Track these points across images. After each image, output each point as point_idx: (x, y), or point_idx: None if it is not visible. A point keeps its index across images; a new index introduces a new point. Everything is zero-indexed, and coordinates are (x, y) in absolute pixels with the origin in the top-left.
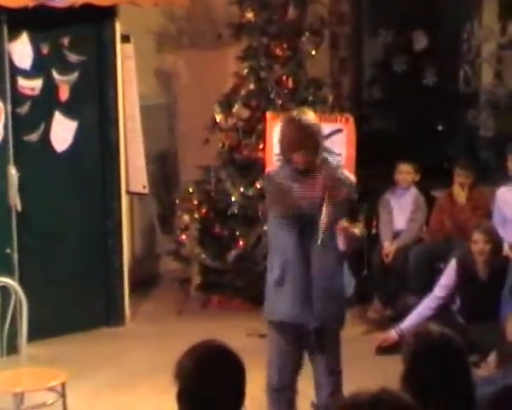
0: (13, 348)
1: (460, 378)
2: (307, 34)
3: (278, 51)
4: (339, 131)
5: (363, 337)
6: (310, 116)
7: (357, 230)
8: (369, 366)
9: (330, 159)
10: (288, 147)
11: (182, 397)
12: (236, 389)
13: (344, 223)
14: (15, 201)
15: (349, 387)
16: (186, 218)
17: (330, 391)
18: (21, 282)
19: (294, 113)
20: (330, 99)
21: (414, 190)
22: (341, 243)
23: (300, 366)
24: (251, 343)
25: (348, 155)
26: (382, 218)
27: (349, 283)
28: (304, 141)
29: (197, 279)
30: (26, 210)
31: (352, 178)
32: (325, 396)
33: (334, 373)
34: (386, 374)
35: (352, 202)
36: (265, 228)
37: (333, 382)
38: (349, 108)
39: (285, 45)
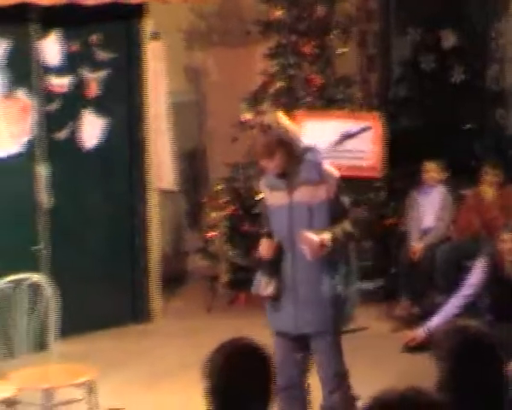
0: (42, 345)
1: (496, 375)
2: (336, 32)
3: (307, 49)
4: (367, 129)
5: (390, 335)
6: (276, 118)
7: (326, 234)
8: (396, 364)
9: (309, 156)
10: (256, 155)
11: (211, 394)
12: (265, 385)
13: (303, 233)
14: (44, 198)
15: (376, 384)
16: (214, 215)
17: (332, 391)
18: (50, 278)
19: (262, 118)
20: (358, 97)
21: (441, 189)
22: (307, 253)
23: (305, 367)
24: None
25: (376, 153)
26: (410, 216)
27: (340, 286)
28: (266, 147)
29: (225, 277)
30: (55, 207)
31: (335, 172)
32: (328, 398)
33: (337, 375)
34: (413, 372)
35: (338, 198)
36: None
37: (336, 384)
38: (377, 106)
39: (313, 43)
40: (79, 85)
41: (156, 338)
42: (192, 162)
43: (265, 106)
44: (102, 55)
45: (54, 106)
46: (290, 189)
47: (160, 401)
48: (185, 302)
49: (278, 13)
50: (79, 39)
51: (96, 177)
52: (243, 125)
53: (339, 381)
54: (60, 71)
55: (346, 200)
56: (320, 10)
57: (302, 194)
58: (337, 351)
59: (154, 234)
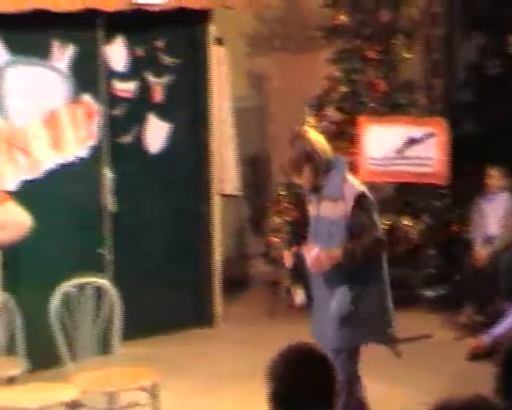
0: (106, 348)
1: None
2: (400, 37)
3: (371, 54)
4: (431, 135)
5: (454, 343)
6: (304, 132)
7: (336, 250)
8: (460, 372)
9: (334, 171)
10: (286, 171)
11: (273, 399)
12: (327, 390)
13: (304, 247)
14: (109, 202)
15: (440, 392)
16: (277, 220)
17: None
18: (114, 282)
19: (294, 133)
20: (423, 102)
21: (505, 195)
22: (309, 267)
23: None
24: None
25: (441, 160)
26: (475, 223)
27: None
28: (295, 163)
29: (287, 282)
30: (120, 211)
31: (357, 190)
32: None
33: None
34: (477, 380)
35: (356, 216)
36: None
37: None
38: (441, 112)
39: (378, 48)
40: (144, 90)
41: (218, 343)
42: (255, 167)
43: (329, 111)
44: (167, 60)
45: (119, 110)
46: (318, 202)
47: (221, 406)
48: (247, 307)
49: (342, 18)
50: (144, 44)
51: (160, 181)
52: None
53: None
54: (125, 76)
55: (367, 218)
56: (384, 15)
57: (325, 208)
58: (343, 362)
59: (216, 239)
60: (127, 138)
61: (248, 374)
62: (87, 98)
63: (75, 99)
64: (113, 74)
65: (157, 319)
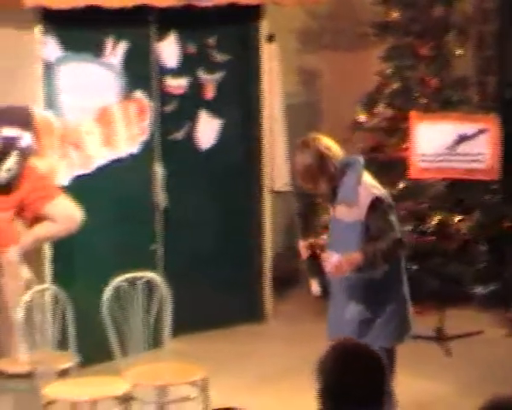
0: (156, 343)
1: None
2: (453, 33)
3: (423, 50)
4: (483, 131)
5: (505, 339)
6: (315, 138)
7: (355, 254)
8: (510, 370)
9: (348, 175)
10: (300, 180)
11: (322, 396)
12: (378, 387)
13: (324, 253)
14: (160, 198)
15: (490, 389)
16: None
17: None
18: (165, 277)
19: (302, 142)
20: (475, 99)
21: None
22: (328, 272)
23: None
24: None
25: (493, 156)
26: None
27: None
28: (309, 175)
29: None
30: (170, 207)
31: (372, 193)
32: None
33: None
34: None
35: (372, 219)
36: None
37: None
38: (493, 109)
39: (430, 44)
40: (196, 87)
41: (267, 340)
42: None
43: (380, 107)
44: (219, 57)
45: (170, 107)
46: (334, 205)
47: (269, 403)
48: (297, 304)
49: (393, 14)
50: (196, 41)
51: (211, 177)
52: (357, 127)
53: None
54: (177, 72)
55: (383, 221)
56: (437, 11)
57: (340, 211)
58: None
59: (267, 235)
60: (178, 135)
61: (297, 372)
62: (139, 95)
63: (127, 96)
64: (165, 71)
65: (206, 315)
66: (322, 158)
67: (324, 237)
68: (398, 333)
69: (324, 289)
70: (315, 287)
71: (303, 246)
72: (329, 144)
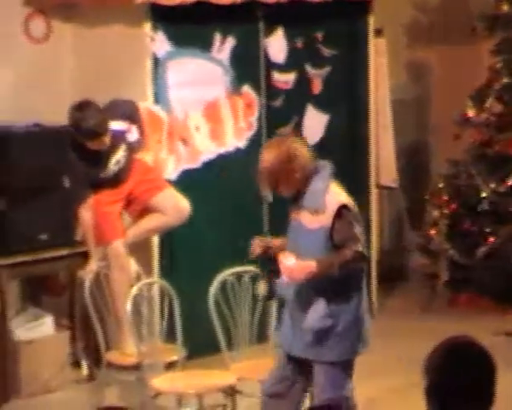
0: (262, 337)
1: None
2: None
3: None
4: None
5: None
6: (286, 143)
7: (311, 262)
8: None
9: (316, 180)
10: (261, 182)
11: (430, 393)
12: (487, 387)
13: (281, 255)
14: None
15: None
16: (435, 213)
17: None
18: None
19: (271, 141)
20: None
21: None
22: (284, 276)
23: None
24: (497, 343)
25: None
26: None
27: None
28: (263, 175)
29: (445, 275)
30: (277, 201)
31: (343, 197)
32: None
33: (331, 400)
34: None
35: (337, 228)
36: None
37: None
38: None
39: None
40: (303, 82)
41: (374, 335)
42: (413, 159)
43: (490, 102)
44: (326, 51)
45: (278, 102)
46: (298, 210)
47: (375, 399)
48: (404, 300)
49: (504, 8)
50: (304, 36)
51: None
52: (466, 122)
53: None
54: (284, 67)
55: (347, 230)
56: None
57: (304, 217)
58: (334, 380)
59: (373, 230)
60: (286, 129)
61: (402, 369)
62: (247, 90)
63: (235, 90)
64: (273, 66)
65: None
66: (287, 161)
67: (279, 240)
68: (355, 345)
69: (272, 293)
70: (261, 289)
71: (257, 243)
72: (299, 147)
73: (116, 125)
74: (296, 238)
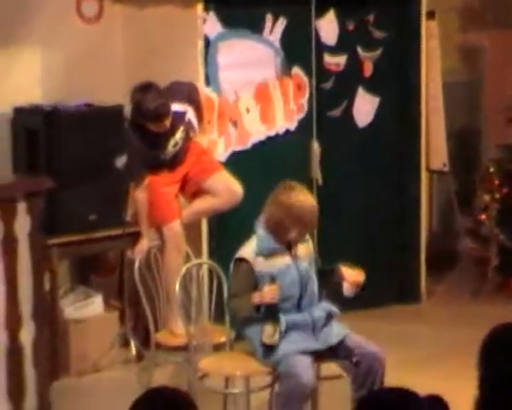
0: None
1: None
2: None
3: None
4: None
5: None
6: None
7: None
8: None
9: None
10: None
11: (483, 383)
12: None
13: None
14: (317, 174)
15: None
16: (486, 197)
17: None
18: (317, 252)
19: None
20: None
21: None
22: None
23: None
24: None
25: None
26: None
27: None
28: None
29: (495, 261)
30: (327, 183)
31: None
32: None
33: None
34: None
35: None
36: None
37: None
38: None
39: None
40: (354, 64)
41: (423, 321)
42: (464, 143)
43: None
44: (378, 34)
45: (328, 84)
46: (289, 248)
47: (420, 386)
48: (453, 285)
49: None
50: (355, 18)
51: (367, 155)
52: None
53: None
54: (335, 49)
55: None
56: None
57: (299, 251)
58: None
59: (422, 214)
60: (336, 111)
61: (451, 355)
62: (297, 72)
63: (286, 72)
64: (324, 48)
65: (361, 294)
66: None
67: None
68: None
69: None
70: (277, 335)
71: (273, 290)
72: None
73: (176, 106)
74: (294, 276)
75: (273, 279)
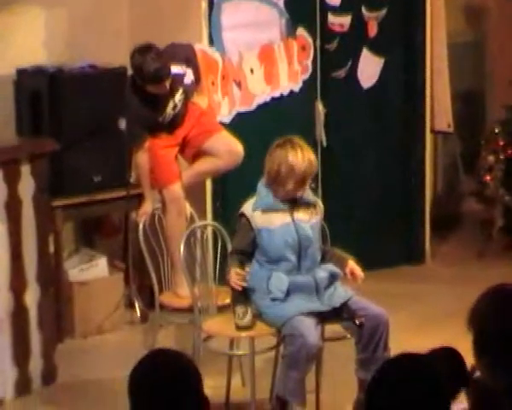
0: None
1: None
2: None
3: None
4: None
5: None
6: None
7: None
8: None
9: None
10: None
11: (478, 346)
12: None
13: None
14: (321, 136)
15: None
16: (491, 158)
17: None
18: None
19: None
20: None
21: None
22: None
23: None
24: None
25: None
26: None
27: None
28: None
29: (500, 222)
30: (331, 146)
31: None
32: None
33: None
34: None
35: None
36: None
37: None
38: None
39: None
40: (358, 24)
41: (426, 282)
42: (469, 104)
43: None
44: None
45: (333, 45)
46: (291, 209)
47: (425, 347)
48: (458, 246)
49: None
50: None
51: (372, 117)
52: None
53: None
54: (340, 10)
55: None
56: None
57: (300, 216)
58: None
59: (427, 176)
60: (340, 73)
61: (454, 316)
62: (302, 32)
63: (290, 33)
64: (329, 8)
65: (366, 255)
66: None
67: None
68: None
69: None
70: (248, 317)
71: (236, 277)
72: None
73: (175, 68)
74: (293, 236)
75: (242, 265)
